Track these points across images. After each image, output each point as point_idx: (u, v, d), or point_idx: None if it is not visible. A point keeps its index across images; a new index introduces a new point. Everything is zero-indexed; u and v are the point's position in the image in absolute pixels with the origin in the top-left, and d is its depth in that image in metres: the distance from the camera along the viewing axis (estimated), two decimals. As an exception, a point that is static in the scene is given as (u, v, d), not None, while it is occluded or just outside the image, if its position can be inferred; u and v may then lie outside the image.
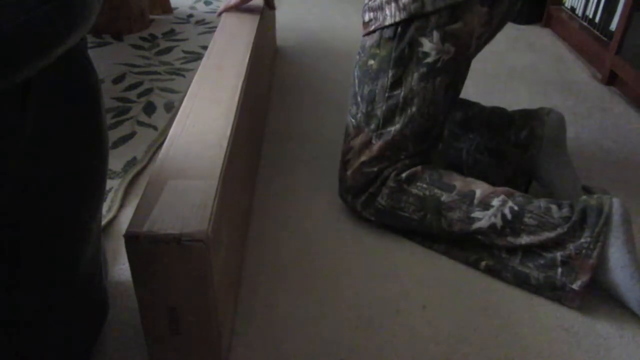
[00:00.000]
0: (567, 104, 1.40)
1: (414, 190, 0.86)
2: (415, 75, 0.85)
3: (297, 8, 2.13)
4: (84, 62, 0.58)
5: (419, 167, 0.88)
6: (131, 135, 1.18)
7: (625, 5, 1.43)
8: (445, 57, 0.84)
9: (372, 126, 0.88)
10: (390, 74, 0.86)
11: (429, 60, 0.84)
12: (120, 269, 0.82)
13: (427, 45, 0.83)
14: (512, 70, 1.60)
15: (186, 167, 0.65)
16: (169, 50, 1.65)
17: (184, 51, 1.64)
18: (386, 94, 0.87)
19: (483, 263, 0.84)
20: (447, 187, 0.85)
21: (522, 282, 0.82)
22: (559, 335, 0.74)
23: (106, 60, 1.55)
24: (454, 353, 0.71)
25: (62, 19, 0.46)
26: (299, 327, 0.74)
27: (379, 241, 0.91)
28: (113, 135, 1.17)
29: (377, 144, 0.88)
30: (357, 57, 0.91)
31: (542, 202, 0.81)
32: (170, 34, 1.79)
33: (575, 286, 0.77)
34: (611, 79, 1.50)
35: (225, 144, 0.69)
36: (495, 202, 0.82)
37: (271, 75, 1.48)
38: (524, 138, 0.97)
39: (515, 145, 0.98)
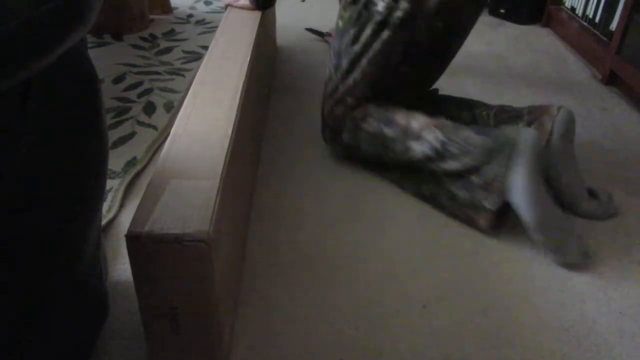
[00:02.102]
0: (567, 104, 1.40)
1: (366, 127, 1.02)
2: (368, 31, 0.99)
3: (297, 8, 2.13)
4: (84, 62, 0.58)
5: (369, 105, 1.03)
6: (131, 135, 1.18)
7: (625, 5, 1.43)
8: (399, 14, 0.95)
9: (339, 75, 1.05)
10: (351, 32, 1.02)
11: (380, 18, 0.97)
12: (121, 269, 0.82)
13: (380, 4, 0.96)
14: (512, 70, 1.60)
15: (187, 167, 0.65)
16: (169, 50, 1.65)
17: (184, 51, 1.64)
18: (348, 49, 1.03)
19: (427, 189, 0.97)
20: (391, 122, 0.99)
21: (452, 202, 0.93)
22: (559, 335, 0.74)
23: (106, 60, 1.55)
24: (454, 353, 0.71)
25: (62, 19, 0.46)
26: (299, 327, 0.74)
27: (379, 241, 0.91)
28: (113, 135, 1.17)
29: (341, 90, 1.05)
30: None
31: (466, 132, 0.91)
32: (170, 34, 1.79)
33: (488, 205, 0.88)
34: (611, 79, 1.50)
35: (226, 144, 0.69)
36: (427, 133, 0.94)
37: (271, 75, 1.48)
38: None
39: None
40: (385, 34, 0.97)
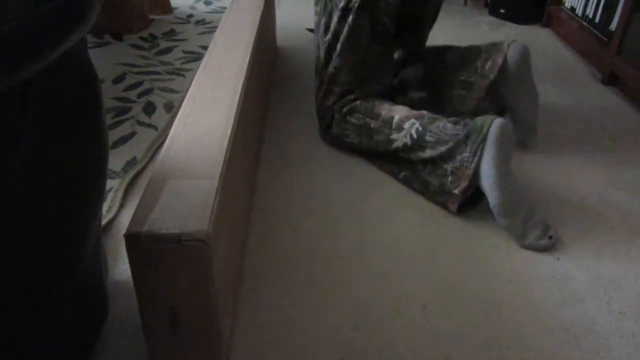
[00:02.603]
0: (567, 104, 1.40)
1: (353, 120, 1.09)
2: (335, 19, 1.07)
3: (297, 8, 2.13)
4: (84, 62, 0.58)
5: (357, 102, 1.09)
6: (131, 135, 1.18)
7: (625, 5, 1.43)
8: None
9: (320, 67, 1.14)
10: (322, 23, 1.11)
11: (342, 4, 1.05)
12: (120, 268, 0.82)
13: None
14: (512, 70, 1.60)
15: (187, 166, 0.65)
16: (169, 50, 1.65)
17: (184, 51, 1.64)
18: (322, 40, 1.11)
19: (402, 174, 1.04)
20: (375, 115, 1.06)
21: (425, 189, 1.00)
22: (559, 335, 0.74)
23: (106, 60, 1.55)
24: (454, 353, 0.71)
25: (62, 19, 0.46)
26: (299, 327, 0.74)
27: (379, 241, 0.91)
28: (113, 135, 1.17)
29: (325, 81, 1.12)
30: None
31: (442, 122, 0.97)
32: (170, 34, 1.79)
33: (456, 191, 0.93)
34: (611, 79, 1.50)
35: (225, 144, 0.69)
36: (407, 124, 1.00)
37: (271, 75, 1.48)
38: (488, 68, 1.13)
39: (480, 75, 1.14)
40: (350, 18, 1.05)
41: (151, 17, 1.90)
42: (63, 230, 0.56)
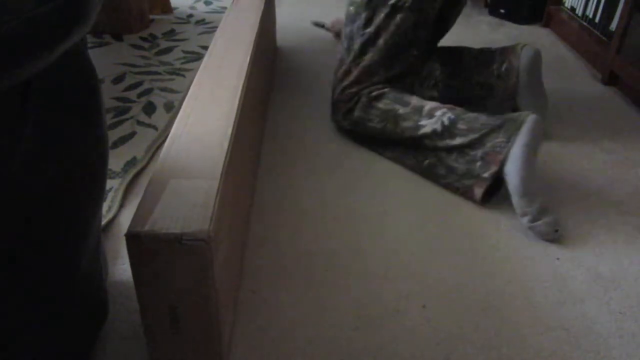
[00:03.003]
0: (567, 104, 1.40)
1: (380, 105, 1.10)
2: (382, 15, 1.09)
3: (297, 8, 2.13)
4: (84, 62, 0.58)
5: (386, 89, 1.11)
6: (131, 135, 1.18)
7: (625, 5, 1.43)
8: None
9: (351, 57, 1.14)
10: (363, 16, 1.11)
11: (392, 1, 1.08)
12: (121, 269, 0.82)
13: None
14: (512, 70, 1.60)
15: (187, 166, 0.65)
16: (169, 50, 1.65)
17: (184, 51, 1.64)
18: (360, 32, 1.12)
19: (426, 161, 1.05)
20: (404, 103, 1.08)
21: (450, 173, 1.02)
22: (559, 335, 0.74)
23: (106, 60, 1.55)
24: (453, 353, 0.71)
25: (62, 19, 0.46)
26: (299, 327, 0.74)
27: (379, 241, 0.91)
28: (113, 135, 1.17)
29: (354, 72, 1.13)
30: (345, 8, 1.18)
31: (474, 114, 1.00)
32: (170, 34, 1.79)
33: (486, 174, 0.96)
34: (611, 79, 1.50)
35: (226, 144, 0.69)
36: (438, 112, 1.03)
37: (271, 75, 1.48)
38: (505, 70, 1.18)
39: (499, 77, 1.19)
40: (398, 17, 1.08)
41: (151, 17, 1.90)
42: (63, 231, 0.56)
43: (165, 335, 0.61)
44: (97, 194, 0.62)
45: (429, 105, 1.05)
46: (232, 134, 0.72)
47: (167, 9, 1.96)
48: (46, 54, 0.45)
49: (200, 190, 0.60)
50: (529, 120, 0.94)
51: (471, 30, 1.93)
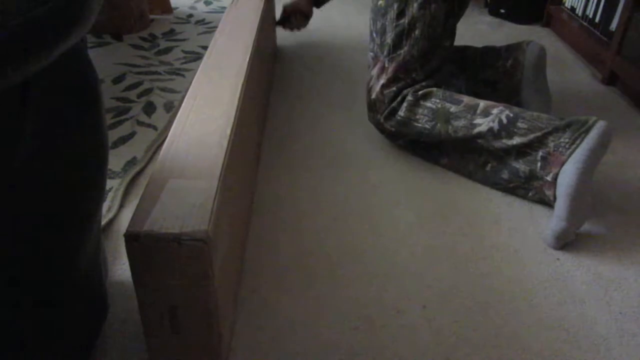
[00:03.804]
0: (567, 104, 1.40)
1: (428, 104, 1.05)
2: (415, 5, 1.05)
3: (297, 8, 2.13)
4: (84, 62, 0.58)
5: (433, 88, 1.06)
6: (131, 135, 1.18)
7: (625, 5, 1.43)
8: None
9: (385, 52, 1.09)
10: (395, 7, 1.07)
11: None
12: (120, 268, 0.82)
13: None
14: (512, 70, 1.60)
15: (186, 166, 0.65)
16: (169, 50, 1.65)
17: (184, 51, 1.64)
18: (394, 24, 1.07)
19: (489, 165, 1.01)
20: (456, 101, 1.03)
21: (515, 176, 0.97)
22: (559, 335, 0.74)
23: (106, 60, 1.56)
24: (454, 353, 0.71)
25: (62, 19, 0.46)
26: (299, 327, 0.74)
27: (379, 241, 0.91)
28: (113, 135, 1.17)
29: (390, 67, 1.08)
30: (371, 3, 1.14)
31: (536, 112, 0.96)
32: (170, 34, 1.79)
33: (549, 177, 0.92)
34: (611, 79, 1.50)
35: (225, 143, 0.69)
36: (495, 110, 0.98)
37: (271, 75, 1.48)
38: (510, 66, 1.17)
39: (504, 73, 1.18)
40: (432, 6, 1.05)
41: (151, 17, 1.90)
42: (62, 230, 0.56)
43: (165, 335, 0.61)
44: (97, 194, 0.62)
45: (483, 102, 1.00)
46: (231, 134, 0.72)
47: (167, 9, 1.96)
48: (46, 54, 0.45)
49: (200, 191, 0.60)
50: (599, 125, 0.88)
51: (471, 30, 1.93)
